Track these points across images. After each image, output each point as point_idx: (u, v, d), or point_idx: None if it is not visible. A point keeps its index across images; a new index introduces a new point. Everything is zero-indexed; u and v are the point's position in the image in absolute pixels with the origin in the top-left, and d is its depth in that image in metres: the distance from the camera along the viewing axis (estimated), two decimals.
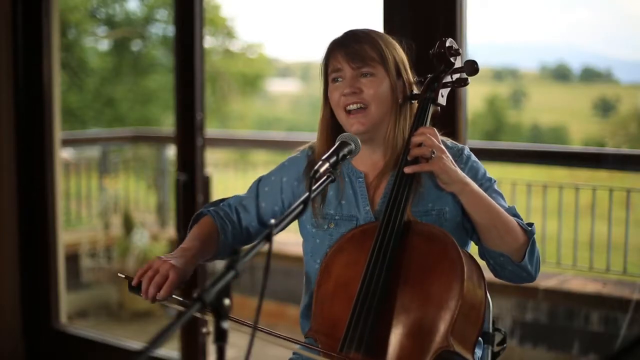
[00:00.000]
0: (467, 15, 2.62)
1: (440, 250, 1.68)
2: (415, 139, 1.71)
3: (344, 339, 1.64)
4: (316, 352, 1.69)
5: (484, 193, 1.73)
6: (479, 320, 1.68)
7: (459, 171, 1.71)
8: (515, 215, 1.78)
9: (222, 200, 2.01)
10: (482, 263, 1.79)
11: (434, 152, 1.67)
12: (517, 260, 1.73)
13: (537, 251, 1.76)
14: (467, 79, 1.86)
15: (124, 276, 1.79)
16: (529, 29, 19.77)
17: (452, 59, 1.85)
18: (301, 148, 1.97)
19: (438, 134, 1.74)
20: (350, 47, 1.79)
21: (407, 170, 1.70)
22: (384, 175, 1.84)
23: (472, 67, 1.82)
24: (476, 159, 1.85)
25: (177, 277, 1.71)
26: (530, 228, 1.75)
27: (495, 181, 1.83)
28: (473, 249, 1.85)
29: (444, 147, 1.71)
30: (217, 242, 1.90)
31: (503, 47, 18.17)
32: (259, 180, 1.99)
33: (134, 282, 1.74)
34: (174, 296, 1.73)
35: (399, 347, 1.63)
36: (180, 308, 1.74)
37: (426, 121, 1.79)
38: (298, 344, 1.70)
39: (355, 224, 1.82)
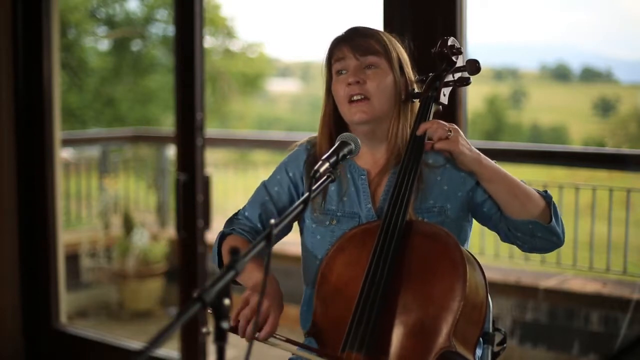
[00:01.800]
0: (467, 15, 2.62)
1: (443, 250, 1.68)
2: (436, 128, 1.72)
3: (346, 338, 1.63)
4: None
5: (497, 165, 1.76)
6: (481, 320, 1.68)
7: (473, 148, 1.73)
8: None
9: (235, 216, 1.95)
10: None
11: (450, 132, 1.70)
12: (545, 223, 1.73)
13: (559, 213, 1.77)
14: (469, 78, 1.86)
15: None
16: (529, 29, 19.77)
17: (454, 58, 1.85)
18: (298, 143, 1.95)
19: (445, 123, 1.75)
20: (355, 41, 1.80)
21: (428, 147, 1.72)
22: (386, 172, 1.84)
23: (473, 66, 1.82)
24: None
25: (278, 316, 1.68)
26: (546, 194, 1.77)
27: (495, 162, 1.83)
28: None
29: (457, 127, 1.73)
30: None
31: (503, 47, 18.16)
32: (264, 185, 1.95)
33: (232, 323, 1.66)
34: (276, 335, 1.66)
35: (400, 347, 1.63)
36: (285, 345, 1.67)
37: (428, 120, 1.79)
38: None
39: (358, 221, 1.82)
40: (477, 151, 1.74)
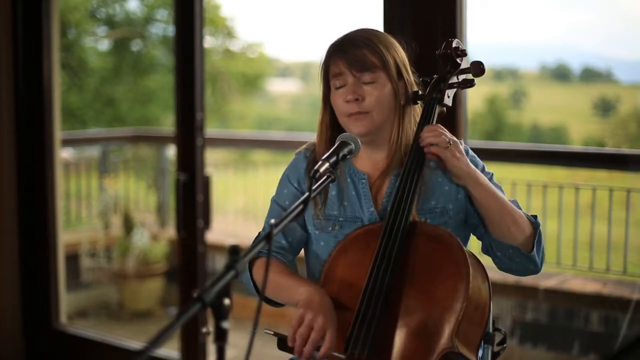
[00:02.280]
0: (467, 15, 2.62)
1: (446, 251, 1.68)
2: (428, 136, 1.72)
3: (349, 339, 1.64)
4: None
5: (492, 185, 1.75)
6: (483, 321, 1.68)
7: (470, 164, 1.73)
8: (519, 208, 1.79)
9: (257, 239, 1.89)
10: (483, 257, 1.79)
11: (450, 143, 1.70)
12: (526, 251, 1.75)
13: (542, 242, 1.78)
14: (473, 80, 1.86)
15: (272, 333, 1.64)
16: (529, 29, 19.79)
17: (458, 60, 1.85)
18: (296, 151, 1.95)
19: (446, 130, 1.75)
20: (349, 54, 1.77)
21: (428, 154, 1.72)
22: (387, 174, 1.83)
23: (478, 68, 1.82)
24: (473, 154, 1.86)
25: (335, 331, 1.64)
26: (535, 220, 1.77)
27: (493, 174, 1.83)
28: (474, 246, 1.84)
29: (457, 140, 1.73)
30: None
31: (503, 47, 18.17)
32: (275, 201, 1.92)
33: (289, 342, 1.63)
34: (335, 354, 1.63)
35: (403, 348, 1.63)
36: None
37: (432, 122, 1.79)
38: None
39: (360, 225, 1.81)
40: (475, 170, 1.73)
